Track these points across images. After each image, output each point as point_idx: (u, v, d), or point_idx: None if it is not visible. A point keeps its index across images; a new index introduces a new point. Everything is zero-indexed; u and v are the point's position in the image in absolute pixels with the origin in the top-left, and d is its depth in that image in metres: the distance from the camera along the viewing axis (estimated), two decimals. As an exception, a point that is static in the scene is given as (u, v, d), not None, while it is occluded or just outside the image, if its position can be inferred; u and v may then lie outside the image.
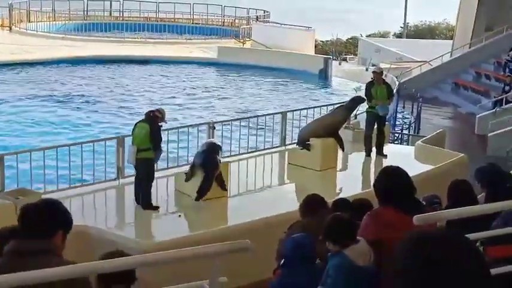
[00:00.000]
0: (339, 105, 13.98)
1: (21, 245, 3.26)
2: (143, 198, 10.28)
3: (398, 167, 4.64)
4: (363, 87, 14.61)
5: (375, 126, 13.57)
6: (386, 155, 13.44)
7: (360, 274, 4.40)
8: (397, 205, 4.36)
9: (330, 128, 12.88)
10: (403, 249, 1.78)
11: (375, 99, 13.34)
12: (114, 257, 3.52)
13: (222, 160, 10.89)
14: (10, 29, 36.05)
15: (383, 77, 14.14)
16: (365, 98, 13.53)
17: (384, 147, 13.67)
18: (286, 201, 10.37)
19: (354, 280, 4.41)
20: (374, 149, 13.52)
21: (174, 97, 24.34)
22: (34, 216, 3.33)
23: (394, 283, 1.77)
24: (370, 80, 13.70)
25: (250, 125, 15.51)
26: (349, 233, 4.49)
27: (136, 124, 10.64)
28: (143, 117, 10.77)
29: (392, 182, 4.48)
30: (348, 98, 15.52)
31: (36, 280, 2.87)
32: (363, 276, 4.39)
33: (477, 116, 21.69)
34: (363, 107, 14.43)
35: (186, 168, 11.72)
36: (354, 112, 14.74)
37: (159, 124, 10.52)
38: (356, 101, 13.69)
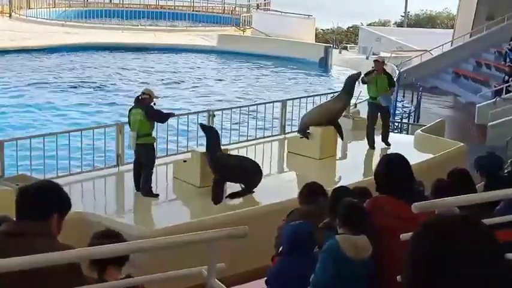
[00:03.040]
0: (337, 92, 13.87)
1: (12, 226, 3.21)
2: (143, 185, 10.28)
3: (399, 154, 4.62)
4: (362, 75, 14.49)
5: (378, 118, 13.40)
6: (390, 144, 13.36)
7: (346, 264, 4.34)
8: (398, 193, 4.35)
9: (331, 114, 12.80)
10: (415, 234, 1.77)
11: (373, 88, 13.20)
12: (108, 237, 3.49)
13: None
14: (10, 15, 35.98)
15: (384, 66, 14.01)
16: (359, 73, 13.26)
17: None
18: (286, 189, 10.37)
19: (337, 267, 4.37)
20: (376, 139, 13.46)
21: (174, 85, 24.29)
22: (29, 198, 3.25)
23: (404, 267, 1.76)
24: (371, 69, 13.58)
25: (250, 113, 15.49)
26: (361, 221, 4.45)
27: (130, 110, 10.64)
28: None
29: (394, 170, 4.47)
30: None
31: (23, 266, 2.81)
32: (348, 267, 4.34)
33: (477, 106, 21.65)
34: (364, 97, 14.32)
35: (186, 156, 11.73)
36: (354, 94, 14.33)
37: (151, 104, 10.51)
38: (351, 81, 13.10)
